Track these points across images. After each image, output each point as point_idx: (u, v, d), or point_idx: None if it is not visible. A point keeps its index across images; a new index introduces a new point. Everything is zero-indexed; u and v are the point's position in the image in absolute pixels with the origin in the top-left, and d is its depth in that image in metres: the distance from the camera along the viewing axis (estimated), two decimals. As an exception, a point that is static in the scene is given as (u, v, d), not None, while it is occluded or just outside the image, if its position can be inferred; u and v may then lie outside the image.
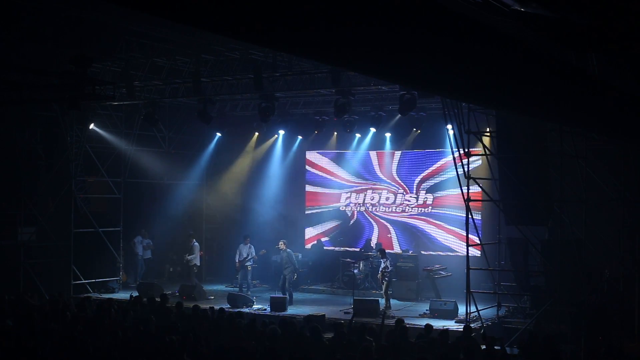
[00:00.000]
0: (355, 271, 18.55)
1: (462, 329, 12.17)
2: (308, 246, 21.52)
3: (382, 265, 16.49)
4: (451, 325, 14.26)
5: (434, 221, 19.84)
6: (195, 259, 19.51)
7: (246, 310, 15.95)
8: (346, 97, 16.14)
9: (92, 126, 19.17)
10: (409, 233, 20.20)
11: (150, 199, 21.92)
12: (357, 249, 20.25)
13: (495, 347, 10.65)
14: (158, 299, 14.37)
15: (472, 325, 14.14)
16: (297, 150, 21.73)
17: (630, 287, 14.14)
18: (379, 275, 16.63)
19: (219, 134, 21.50)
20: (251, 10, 4.48)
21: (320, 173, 21.73)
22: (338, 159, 21.48)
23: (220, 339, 11.05)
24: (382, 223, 20.63)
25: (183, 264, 21.73)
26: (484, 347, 10.81)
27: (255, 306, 16.67)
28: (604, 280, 14.89)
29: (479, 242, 15.32)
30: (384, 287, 16.44)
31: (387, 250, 17.73)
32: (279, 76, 16.47)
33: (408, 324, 13.56)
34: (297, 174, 21.81)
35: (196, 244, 19.63)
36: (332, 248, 21.01)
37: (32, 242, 19.01)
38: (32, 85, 15.41)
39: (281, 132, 21.12)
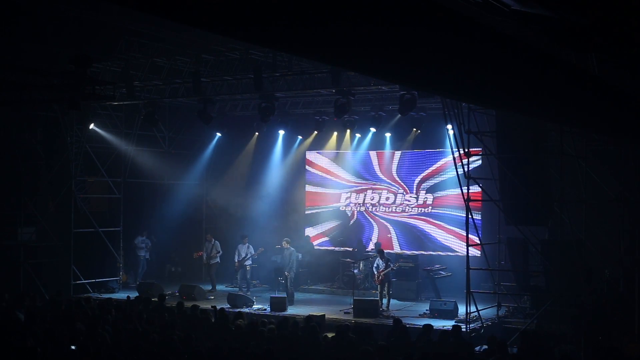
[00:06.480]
0: (355, 271, 18.54)
1: (464, 329, 12.16)
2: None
3: (382, 265, 16.44)
4: (451, 325, 14.23)
5: (434, 221, 19.83)
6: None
7: (246, 310, 15.95)
8: (346, 97, 16.13)
9: (92, 126, 19.18)
10: (409, 233, 20.19)
11: (150, 199, 21.93)
12: (350, 249, 20.20)
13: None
14: (155, 299, 14.41)
15: (472, 325, 14.20)
16: (297, 150, 21.73)
17: (630, 287, 14.13)
18: (377, 276, 16.57)
19: (219, 134, 21.50)
20: (250, 10, 4.48)
21: (320, 173, 21.73)
22: (338, 159, 21.47)
23: (219, 339, 11.05)
24: (382, 223, 20.62)
25: (183, 264, 21.81)
26: (485, 346, 10.82)
27: (255, 306, 16.67)
28: (604, 280, 14.89)
29: (479, 242, 15.32)
30: (382, 287, 16.39)
31: (386, 251, 17.74)
32: (279, 76, 16.47)
33: (408, 324, 13.59)
34: (297, 174, 21.81)
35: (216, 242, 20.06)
36: (332, 248, 21.02)
37: (32, 242, 19.01)
38: (32, 85, 15.41)
39: (281, 132, 21.10)
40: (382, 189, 20.73)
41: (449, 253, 19.16)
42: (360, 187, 21.08)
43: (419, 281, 18.03)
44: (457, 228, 18.71)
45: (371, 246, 20.01)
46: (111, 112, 19.64)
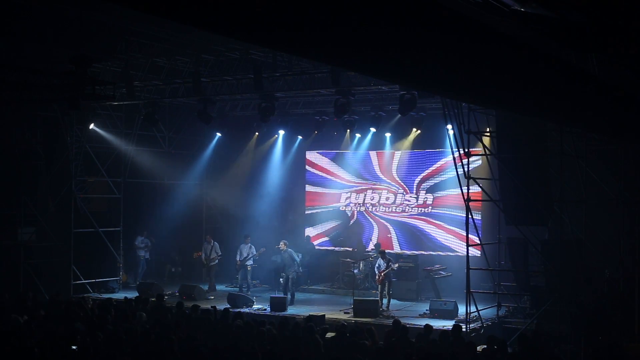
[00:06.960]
0: (355, 271, 18.54)
1: (464, 329, 12.15)
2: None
3: (384, 266, 16.44)
4: (451, 325, 14.23)
5: (434, 221, 19.83)
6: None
7: (246, 310, 15.95)
8: (346, 97, 16.13)
9: (92, 126, 19.17)
10: (409, 233, 20.20)
11: (150, 199, 21.93)
12: (350, 249, 20.19)
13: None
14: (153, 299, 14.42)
15: (472, 325, 14.20)
16: (297, 150, 21.72)
17: (630, 287, 14.13)
18: (378, 276, 16.58)
19: (219, 134, 21.49)
20: (250, 11, 4.48)
21: (320, 173, 21.73)
22: (338, 159, 21.47)
23: (219, 340, 11.05)
24: (382, 223, 20.62)
25: (183, 264, 21.80)
26: (484, 346, 10.81)
27: (255, 306, 16.67)
28: (604, 281, 14.88)
29: (479, 242, 15.32)
30: (382, 287, 16.40)
31: (386, 250, 17.73)
32: (279, 76, 16.47)
33: (408, 324, 13.59)
34: (297, 174, 21.80)
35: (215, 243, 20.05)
36: (332, 248, 21.02)
37: (32, 242, 19.00)
38: (32, 85, 15.39)
39: (281, 132, 21.11)
40: (382, 189, 20.73)
41: (449, 253, 19.16)
42: (360, 187, 21.08)
43: (419, 281, 18.03)
44: (457, 228, 18.71)
45: (371, 246, 20.00)
46: (111, 112, 19.63)
